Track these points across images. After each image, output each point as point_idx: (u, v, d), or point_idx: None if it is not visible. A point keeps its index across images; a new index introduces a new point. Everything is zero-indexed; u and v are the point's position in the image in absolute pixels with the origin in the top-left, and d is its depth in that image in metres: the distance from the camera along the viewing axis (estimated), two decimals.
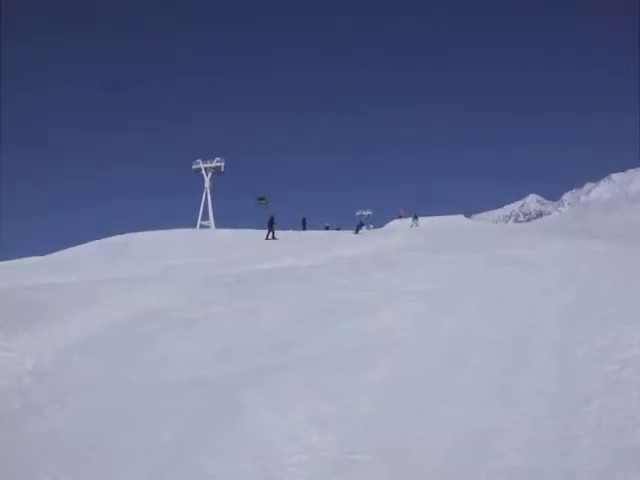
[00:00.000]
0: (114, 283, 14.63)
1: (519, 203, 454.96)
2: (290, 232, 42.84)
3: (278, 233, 36.84)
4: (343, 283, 12.52)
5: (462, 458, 4.45)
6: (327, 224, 56.51)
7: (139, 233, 40.88)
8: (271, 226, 36.41)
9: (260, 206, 69.04)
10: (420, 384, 6.10)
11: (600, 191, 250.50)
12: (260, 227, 37.44)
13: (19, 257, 35.82)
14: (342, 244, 27.13)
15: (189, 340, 8.55)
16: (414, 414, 5.31)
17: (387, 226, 63.26)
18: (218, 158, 73.41)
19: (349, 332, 8.28)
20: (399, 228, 50.93)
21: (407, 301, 10.08)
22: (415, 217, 53.57)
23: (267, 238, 35.39)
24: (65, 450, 5.08)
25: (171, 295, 12.32)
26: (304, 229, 49.87)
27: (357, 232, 35.43)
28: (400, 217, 64.80)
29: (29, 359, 8.01)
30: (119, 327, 9.68)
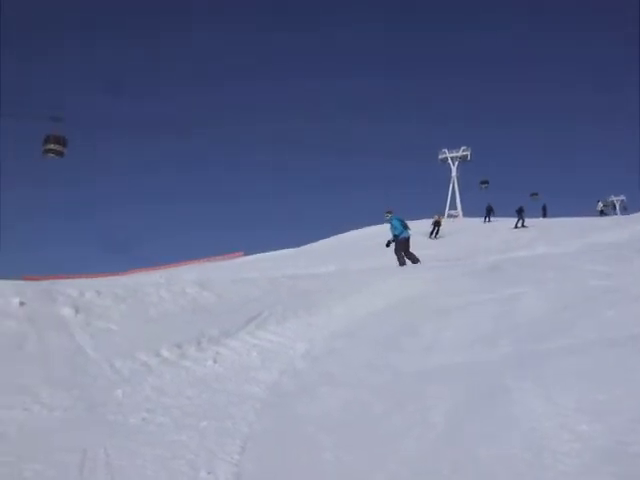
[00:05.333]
0: (369, 273, 15.19)
1: None
2: (537, 220, 41.60)
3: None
4: (602, 270, 11.73)
5: None
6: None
7: (376, 226, 42.14)
8: (520, 214, 36.63)
9: (482, 190, 68.19)
10: None
11: None
12: (510, 215, 36.94)
13: (275, 249, 39.23)
14: (597, 230, 25.70)
15: (448, 327, 8.60)
16: None
17: None
18: (464, 147, 73.18)
19: (614, 320, 7.74)
20: None
21: None
22: None
23: (516, 227, 35.27)
24: (340, 428, 5.38)
25: (426, 283, 12.48)
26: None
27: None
28: None
29: (300, 344, 8.64)
30: (380, 315, 10.05)
